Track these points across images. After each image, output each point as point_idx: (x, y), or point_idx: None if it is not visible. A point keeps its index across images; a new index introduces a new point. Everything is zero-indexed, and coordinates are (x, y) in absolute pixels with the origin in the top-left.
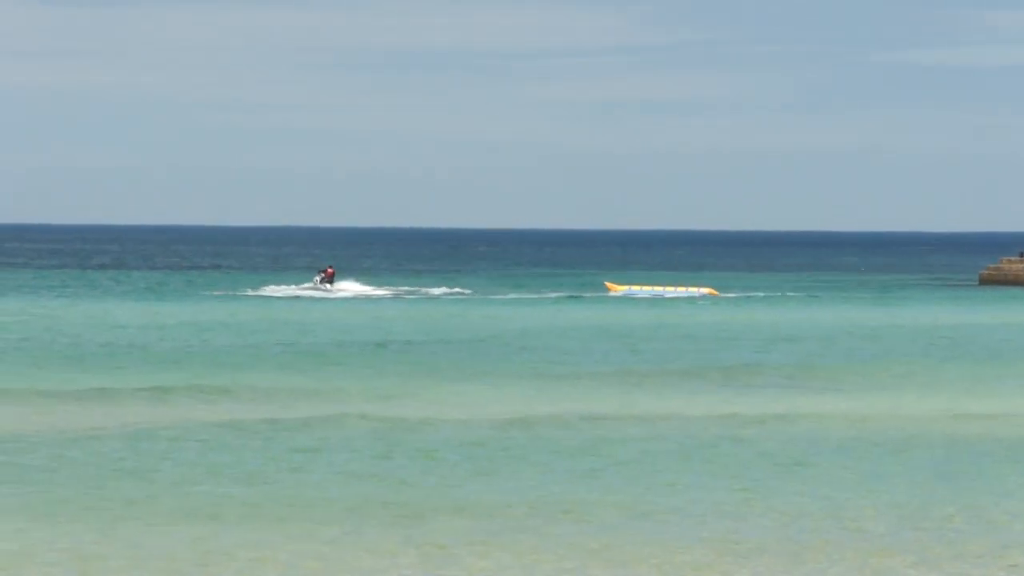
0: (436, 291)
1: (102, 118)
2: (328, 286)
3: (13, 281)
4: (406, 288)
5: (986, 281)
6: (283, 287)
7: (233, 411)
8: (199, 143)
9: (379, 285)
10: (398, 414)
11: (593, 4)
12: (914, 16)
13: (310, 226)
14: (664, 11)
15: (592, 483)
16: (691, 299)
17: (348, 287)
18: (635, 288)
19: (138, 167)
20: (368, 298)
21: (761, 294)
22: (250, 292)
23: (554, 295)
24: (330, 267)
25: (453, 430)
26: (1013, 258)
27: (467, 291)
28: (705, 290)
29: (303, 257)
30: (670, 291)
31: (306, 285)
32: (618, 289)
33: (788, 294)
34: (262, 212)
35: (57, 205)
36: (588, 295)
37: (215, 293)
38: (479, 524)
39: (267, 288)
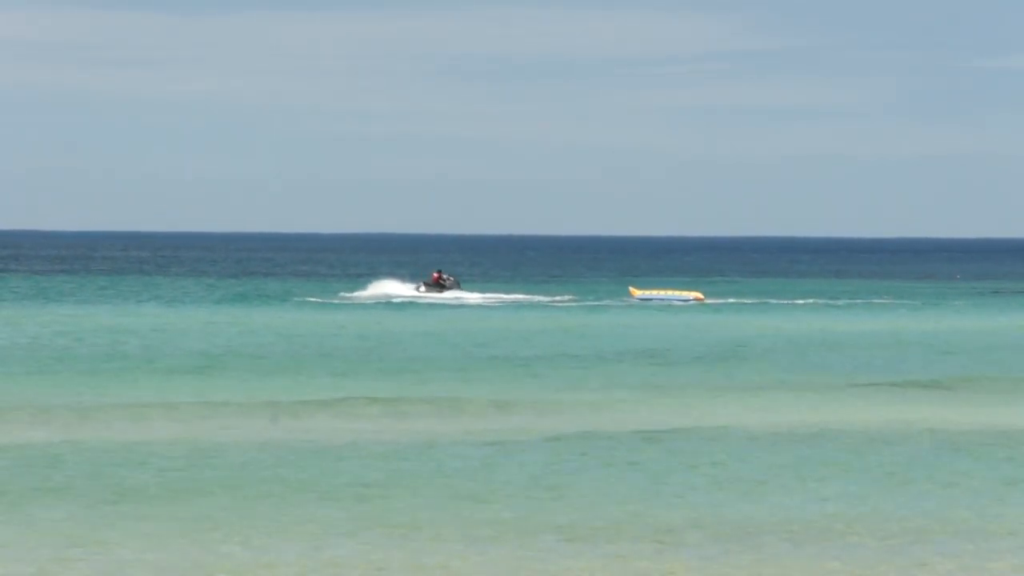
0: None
1: (209, 127)
2: (436, 291)
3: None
4: (540, 297)
5: None
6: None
7: (476, 425)
8: (307, 152)
9: (507, 292)
10: (647, 427)
11: (700, 10)
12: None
13: (418, 233)
14: (770, 17)
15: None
16: (685, 303)
17: (460, 294)
18: (647, 292)
19: (247, 176)
20: (499, 304)
21: (879, 300)
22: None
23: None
24: (437, 272)
25: (712, 443)
26: None
27: (568, 297)
28: (693, 295)
29: (410, 265)
30: (670, 295)
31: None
32: (637, 293)
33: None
34: (371, 219)
35: (159, 214)
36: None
37: (335, 299)
38: (761, 541)
39: (354, 294)
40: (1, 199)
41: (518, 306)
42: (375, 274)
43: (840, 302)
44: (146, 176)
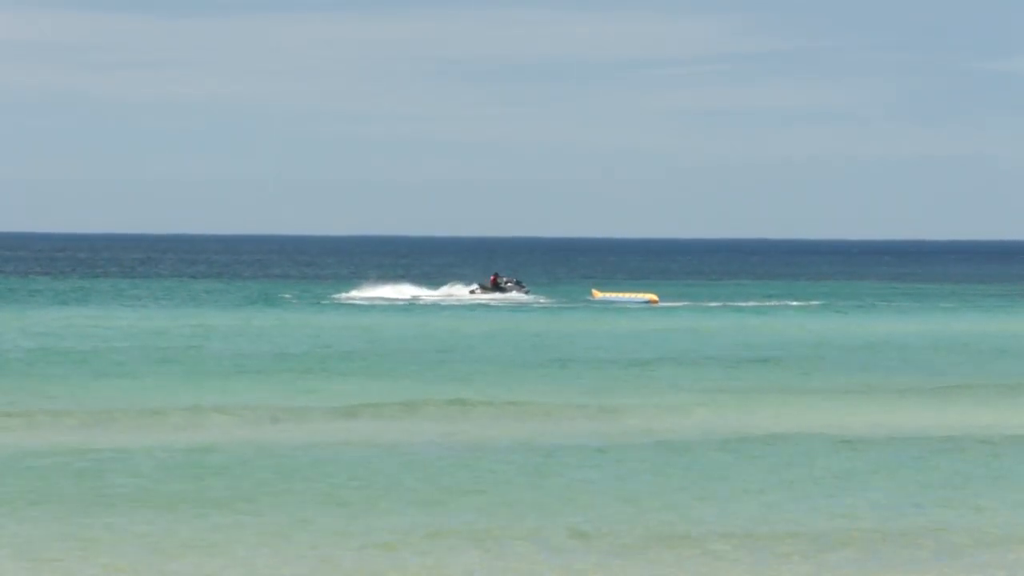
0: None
1: (209, 129)
2: (497, 293)
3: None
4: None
5: None
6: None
7: (530, 430)
8: (308, 154)
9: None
10: (708, 431)
11: (699, 12)
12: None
13: (419, 236)
14: (769, 18)
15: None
16: (637, 304)
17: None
18: (607, 294)
19: (246, 178)
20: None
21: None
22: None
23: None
24: (494, 275)
25: (779, 447)
26: None
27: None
28: (647, 296)
29: (412, 267)
30: (627, 297)
31: (434, 293)
32: (598, 295)
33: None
34: (372, 222)
35: (159, 216)
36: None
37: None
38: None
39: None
40: (1, 201)
41: (528, 309)
42: (387, 277)
43: (855, 303)
44: (145, 178)
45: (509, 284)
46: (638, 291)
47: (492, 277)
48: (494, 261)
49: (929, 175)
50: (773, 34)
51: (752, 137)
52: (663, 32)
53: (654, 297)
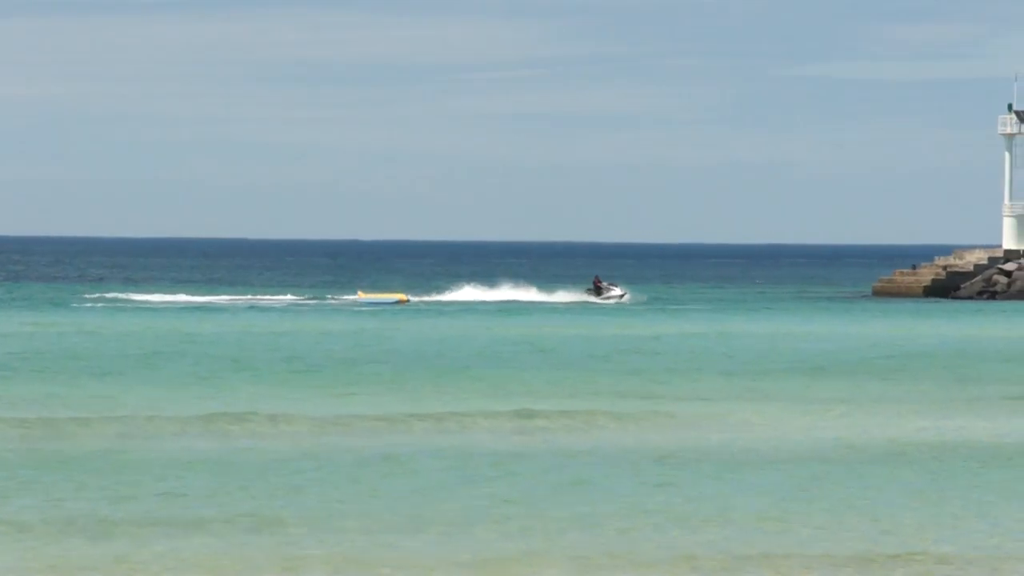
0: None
1: (11, 129)
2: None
3: None
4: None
5: (878, 293)
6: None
7: (561, 441)
8: (110, 155)
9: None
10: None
11: (513, 16)
12: (826, 30)
13: (234, 238)
14: (585, 24)
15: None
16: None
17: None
18: (369, 296)
19: (49, 179)
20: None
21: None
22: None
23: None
24: (596, 277)
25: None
26: (905, 270)
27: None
28: (397, 296)
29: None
30: (382, 297)
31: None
32: (363, 296)
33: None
34: (169, 224)
35: None
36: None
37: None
38: None
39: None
40: None
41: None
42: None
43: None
44: None
45: (603, 285)
46: (394, 292)
47: (595, 280)
48: (340, 266)
49: (738, 179)
50: (592, 39)
51: (572, 141)
52: (481, 37)
53: (403, 297)
